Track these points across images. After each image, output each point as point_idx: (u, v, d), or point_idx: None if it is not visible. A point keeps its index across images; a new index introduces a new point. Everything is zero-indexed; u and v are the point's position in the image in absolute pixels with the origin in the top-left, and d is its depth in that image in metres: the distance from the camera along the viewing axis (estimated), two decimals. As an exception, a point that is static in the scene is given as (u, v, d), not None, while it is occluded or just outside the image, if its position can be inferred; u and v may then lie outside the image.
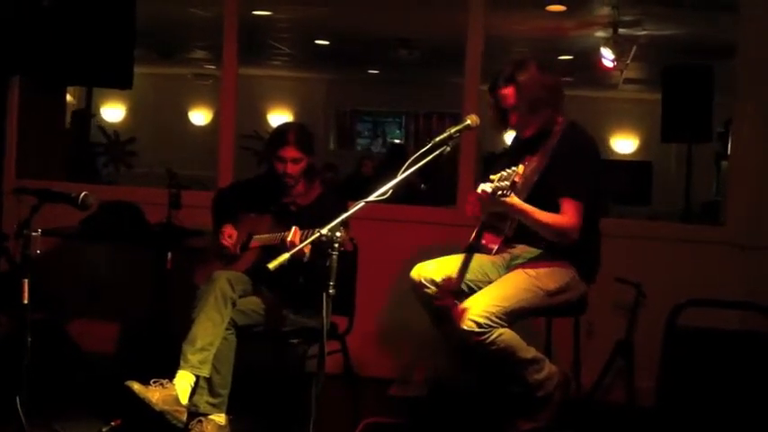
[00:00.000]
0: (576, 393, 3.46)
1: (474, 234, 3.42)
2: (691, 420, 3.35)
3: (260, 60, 11.46)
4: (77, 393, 3.87)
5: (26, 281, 2.87)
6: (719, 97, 6.13)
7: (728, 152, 5.90)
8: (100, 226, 4.15)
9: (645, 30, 7.56)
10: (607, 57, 7.66)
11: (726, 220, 4.49)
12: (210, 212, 3.89)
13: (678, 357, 3.41)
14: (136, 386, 3.21)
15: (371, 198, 2.69)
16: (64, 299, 4.52)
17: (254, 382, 3.64)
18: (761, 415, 3.28)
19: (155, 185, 5.15)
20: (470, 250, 3.36)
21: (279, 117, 13.27)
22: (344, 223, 2.66)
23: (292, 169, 3.61)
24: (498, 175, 2.89)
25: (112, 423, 3.48)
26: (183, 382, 3.30)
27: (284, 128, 3.70)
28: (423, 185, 7.72)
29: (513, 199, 2.94)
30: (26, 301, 2.88)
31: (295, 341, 3.53)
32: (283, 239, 3.36)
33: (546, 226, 3.07)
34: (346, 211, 2.69)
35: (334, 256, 2.59)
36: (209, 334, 3.35)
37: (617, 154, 12.76)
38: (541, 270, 3.17)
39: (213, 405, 3.35)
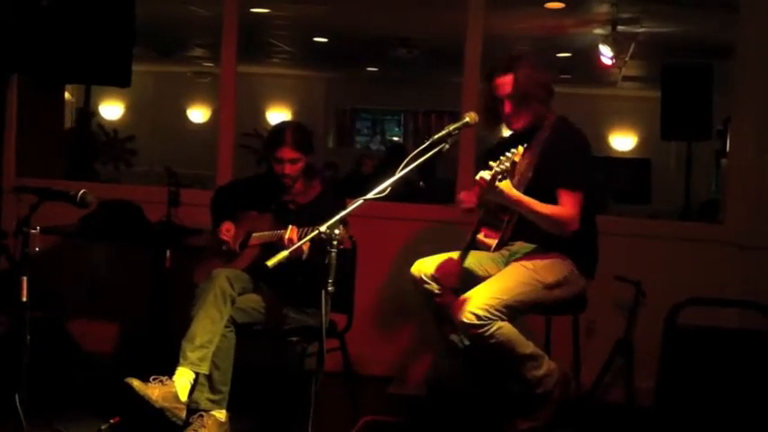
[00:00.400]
0: (576, 392, 3.46)
1: (472, 231, 3.42)
2: (690, 420, 3.35)
3: (259, 58, 11.46)
4: (77, 391, 3.87)
5: (25, 279, 2.87)
6: (719, 95, 6.13)
7: (727, 150, 5.90)
8: (99, 224, 4.15)
9: (644, 27, 7.56)
10: (606, 54, 7.66)
11: (725, 218, 4.49)
12: (209, 211, 3.89)
13: (678, 356, 3.41)
14: (135, 383, 3.21)
15: (370, 196, 2.69)
16: (63, 297, 4.52)
17: (253, 379, 3.64)
18: (761, 414, 3.28)
19: (154, 184, 5.15)
20: (469, 247, 3.36)
21: (278, 115, 13.27)
22: (343, 221, 2.66)
23: (290, 169, 3.61)
24: (497, 161, 2.90)
25: (112, 421, 3.48)
26: (183, 379, 3.30)
27: (281, 128, 3.69)
28: (421, 183, 7.72)
29: (512, 190, 2.95)
30: (25, 299, 2.88)
31: (294, 339, 3.53)
32: (281, 237, 3.37)
33: (545, 217, 3.08)
34: (345, 208, 2.69)
35: (333, 254, 2.59)
36: (208, 331, 3.35)
37: (616, 151, 12.76)
38: (539, 263, 3.18)
39: (213, 402, 3.36)
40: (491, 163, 2.91)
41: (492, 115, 3.32)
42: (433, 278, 3.28)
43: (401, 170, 2.76)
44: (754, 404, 3.29)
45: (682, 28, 7.71)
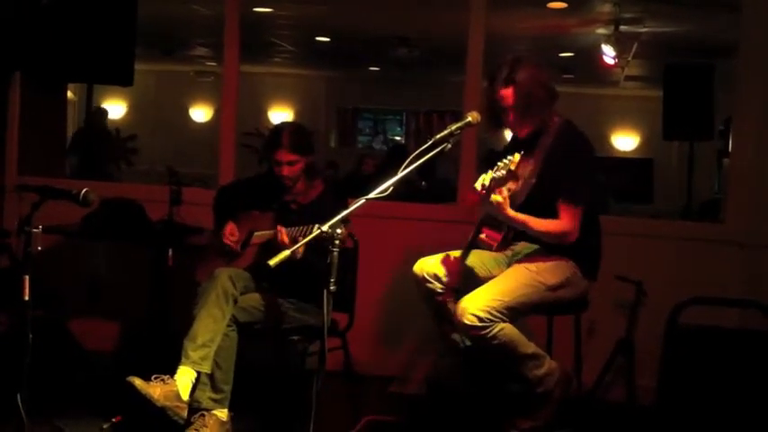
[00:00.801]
0: (577, 392, 3.46)
1: (475, 230, 3.42)
2: (691, 419, 3.35)
3: (261, 58, 11.46)
4: (78, 390, 3.88)
5: (27, 278, 2.87)
6: (721, 94, 6.13)
7: (729, 150, 5.89)
8: (101, 223, 4.15)
9: (646, 27, 7.56)
10: (608, 54, 7.66)
11: (726, 217, 4.49)
12: (212, 210, 3.89)
13: (679, 356, 3.41)
14: (137, 382, 3.22)
15: (372, 195, 2.70)
16: (64, 296, 4.52)
17: (255, 378, 3.64)
18: (761, 413, 3.28)
19: (156, 182, 5.15)
20: (471, 246, 3.36)
21: (280, 114, 13.28)
22: (345, 220, 2.66)
23: (288, 171, 3.61)
24: (495, 167, 2.90)
25: (113, 420, 3.49)
26: (184, 378, 3.31)
27: (278, 130, 3.68)
28: (423, 183, 7.72)
29: (508, 209, 2.96)
30: (27, 298, 2.88)
31: (296, 338, 3.54)
32: (269, 239, 3.41)
33: (542, 233, 3.10)
34: (347, 208, 2.70)
35: (335, 253, 2.59)
36: (210, 330, 3.35)
37: (618, 151, 12.76)
38: (542, 264, 3.18)
39: (215, 401, 3.36)
40: (485, 176, 2.92)
41: (495, 120, 3.30)
42: (436, 277, 3.28)
43: (403, 170, 2.76)
44: (756, 404, 3.29)
45: (684, 28, 7.71)
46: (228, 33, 4.90)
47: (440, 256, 3.34)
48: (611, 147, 12.74)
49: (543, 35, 8.48)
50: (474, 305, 3.02)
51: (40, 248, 2.89)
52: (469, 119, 3.03)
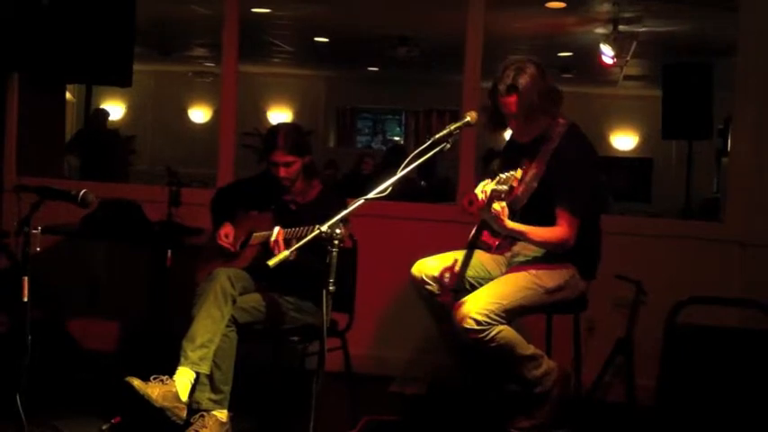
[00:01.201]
0: (576, 391, 3.46)
1: (474, 231, 3.42)
2: (691, 418, 3.35)
3: (260, 58, 11.46)
4: (77, 391, 3.87)
5: (26, 278, 2.87)
6: (719, 93, 6.13)
7: (728, 149, 5.90)
8: (100, 224, 4.15)
9: (645, 26, 7.56)
10: (607, 53, 7.66)
11: (725, 216, 4.49)
12: (209, 211, 3.89)
13: (678, 355, 3.41)
14: (136, 382, 3.21)
15: (371, 195, 2.70)
16: (64, 297, 4.52)
17: (254, 379, 3.64)
18: (761, 413, 3.28)
19: (155, 183, 5.15)
20: (471, 247, 3.36)
21: (279, 114, 13.28)
22: (344, 220, 2.66)
23: (284, 173, 3.61)
24: (497, 178, 2.90)
25: (113, 421, 3.48)
26: (183, 379, 3.30)
27: (273, 131, 3.67)
28: (423, 182, 7.72)
29: (506, 221, 2.95)
30: (26, 299, 2.88)
31: (295, 338, 3.54)
32: (267, 240, 3.41)
33: (540, 243, 3.11)
34: (346, 208, 2.70)
35: (335, 253, 2.59)
36: (208, 331, 3.35)
37: (617, 151, 12.76)
38: (542, 270, 3.18)
39: (215, 401, 3.36)
40: (487, 183, 2.92)
41: (497, 124, 3.29)
42: (434, 279, 3.28)
43: (402, 169, 2.76)
44: (755, 403, 3.29)
45: (683, 27, 7.71)
46: (227, 34, 4.89)
47: (438, 257, 3.34)
48: (609, 146, 12.74)
49: (542, 35, 8.48)
50: (472, 308, 3.02)
51: (38, 249, 2.89)
52: (468, 119, 3.03)
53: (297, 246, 2.72)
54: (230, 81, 4.93)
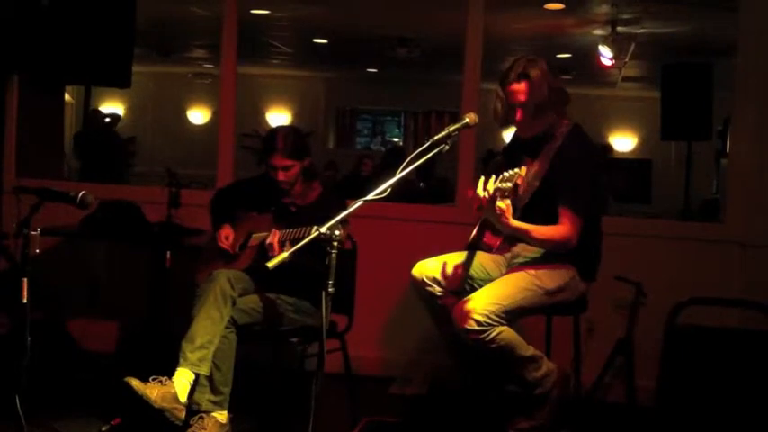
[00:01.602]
0: (576, 391, 3.46)
1: (474, 232, 3.42)
2: (691, 419, 3.34)
3: (259, 59, 11.47)
4: (77, 392, 3.87)
5: (25, 280, 2.87)
6: (719, 94, 6.13)
7: (728, 150, 5.90)
8: (99, 225, 4.15)
9: (643, 27, 7.57)
10: (605, 55, 7.66)
11: (725, 217, 4.49)
12: (208, 212, 3.89)
13: (678, 356, 3.41)
14: (134, 382, 3.21)
15: (370, 197, 2.69)
16: (63, 298, 4.52)
17: (253, 380, 3.64)
18: (761, 414, 3.28)
19: (154, 184, 5.15)
20: (471, 248, 3.36)
21: (278, 116, 13.29)
22: (344, 222, 2.66)
23: (283, 176, 3.61)
24: (501, 176, 2.89)
25: (112, 422, 3.48)
26: (182, 380, 3.30)
27: (272, 135, 3.67)
28: (422, 184, 7.72)
29: (510, 220, 2.95)
30: (25, 301, 2.88)
31: (295, 340, 3.53)
32: (263, 241, 3.40)
33: (544, 242, 3.09)
34: (345, 209, 2.69)
35: (334, 255, 2.59)
36: (208, 332, 3.35)
37: (616, 152, 12.75)
38: (541, 269, 3.17)
39: (215, 403, 3.36)
40: (490, 182, 2.91)
41: (504, 118, 3.28)
42: (435, 280, 3.28)
43: (401, 171, 2.75)
44: (755, 404, 3.29)
45: (681, 28, 7.72)
46: (226, 35, 4.90)
47: (439, 258, 3.34)
48: (608, 148, 12.74)
49: (541, 36, 8.48)
50: (473, 309, 3.01)
51: (38, 251, 2.89)
52: (467, 120, 3.02)
53: (296, 247, 2.72)
54: (229, 82, 4.93)
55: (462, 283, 3.27)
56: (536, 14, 7.35)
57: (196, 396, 3.34)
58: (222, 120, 5.02)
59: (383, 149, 13.38)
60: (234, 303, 3.43)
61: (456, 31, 4.87)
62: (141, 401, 3.19)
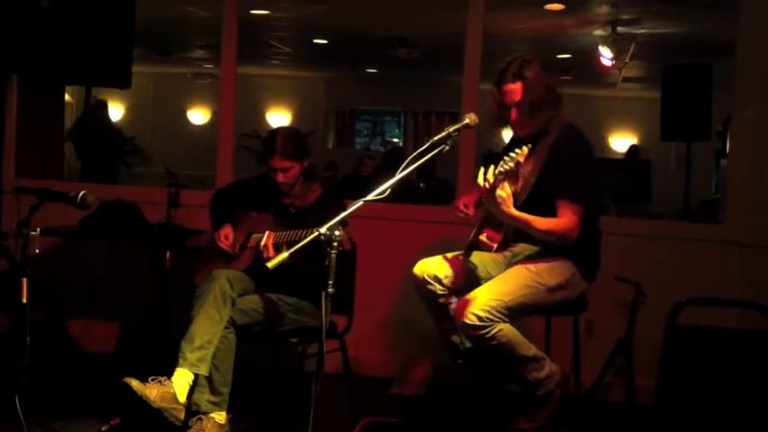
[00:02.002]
0: (576, 392, 3.46)
1: (474, 231, 3.42)
2: (691, 419, 3.35)
3: (259, 59, 11.47)
4: (76, 393, 3.87)
5: (25, 280, 2.87)
6: (718, 95, 6.13)
7: (727, 150, 5.89)
8: (99, 225, 4.15)
9: (644, 28, 7.57)
10: (606, 55, 7.66)
11: (725, 218, 4.49)
12: (208, 212, 3.89)
13: (678, 356, 3.41)
14: (134, 383, 3.21)
15: (370, 197, 2.69)
16: (63, 298, 4.52)
17: (253, 380, 3.64)
18: (761, 414, 3.28)
19: (154, 185, 5.15)
20: (471, 248, 3.36)
21: (278, 116, 13.29)
22: (343, 222, 2.66)
23: (283, 177, 3.61)
24: (501, 161, 2.90)
25: (111, 422, 3.48)
26: (182, 380, 3.30)
27: (271, 136, 3.67)
28: (422, 184, 7.73)
29: (510, 208, 2.95)
30: (25, 301, 2.88)
31: (294, 340, 3.53)
32: (258, 243, 3.41)
33: (545, 232, 3.09)
34: (345, 210, 2.69)
35: (333, 255, 2.59)
36: (207, 332, 3.35)
37: (615, 153, 12.75)
38: (542, 265, 3.17)
39: (214, 404, 3.36)
40: (490, 171, 2.91)
41: (498, 119, 3.29)
42: (436, 279, 3.28)
43: (401, 171, 2.75)
44: (755, 404, 3.29)
45: (681, 28, 7.72)
46: (226, 35, 4.90)
47: (439, 257, 3.34)
48: (608, 148, 12.74)
49: (541, 36, 8.48)
50: (474, 305, 3.02)
51: (38, 251, 2.88)
52: (467, 120, 3.02)
53: (296, 247, 2.72)
54: (229, 82, 4.93)
55: (463, 282, 3.27)
56: (536, 15, 7.35)
57: (195, 396, 3.33)
58: (222, 120, 5.02)
59: (383, 150, 13.39)
60: (233, 304, 3.43)
61: (456, 32, 4.87)
62: (140, 402, 3.19)
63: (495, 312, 3.00)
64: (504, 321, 3.03)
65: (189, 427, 3.29)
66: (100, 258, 4.87)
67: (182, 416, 3.27)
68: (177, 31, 9.62)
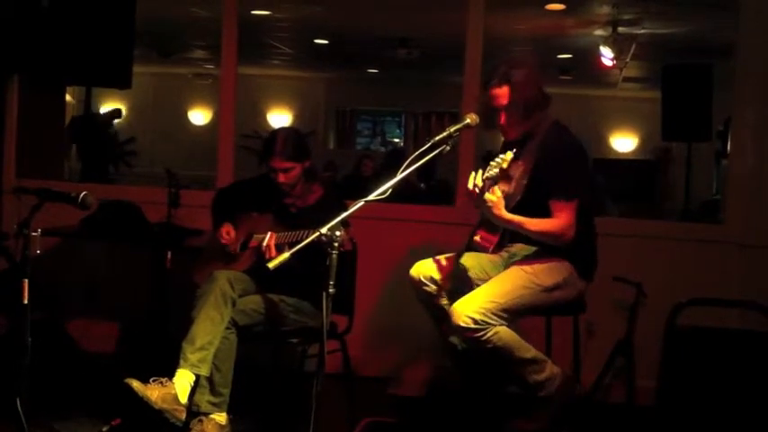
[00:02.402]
0: (577, 394, 3.46)
1: (471, 233, 3.42)
2: (691, 420, 3.35)
3: (259, 60, 11.47)
4: (77, 393, 3.87)
5: (26, 281, 2.87)
6: (719, 95, 6.13)
7: (728, 151, 5.90)
8: (100, 225, 4.15)
9: (644, 28, 7.57)
10: (606, 55, 7.67)
11: (725, 218, 4.49)
12: (210, 212, 3.89)
13: (679, 356, 3.41)
14: (135, 384, 3.21)
15: (371, 197, 2.69)
16: (63, 298, 4.52)
17: (254, 381, 3.64)
18: (761, 414, 3.28)
19: (154, 185, 5.15)
20: (469, 248, 3.36)
21: (278, 116, 13.30)
22: (345, 223, 2.66)
23: (283, 178, 3.60)
24: (488, 166, 2.90)
25: (112, 423, 3.48)
26: (183, 381, 3.30)
27: (272, 137, 3.66)
28: (422, 184, 7.73)
29: (502, 211, 2.95)
30: (26, 302, 2.87)
31: (295, 340, 3.53)
32: (260, 244, 3.40)
33: (540, 234, 3.09)
34: (346, 211, 2.69)
35: (334, 256, 2.59)
36: (208, 333, 3.35)
37: (616, 153, 12.76)
38: (538, 266, 3.17)
39: (214, 404, 3.35)
40: (478, 175, 2.92)
41: (489, 122, 3.29)
42: (432, 280, 3.28)
43: (402, 172, 2.75)
44: (755, 404, 3.29)
45: (682, 29, 7.72)
46: (226, 36, 4.89)
47: (437, 258, 3.34)
48: (609, 148, 12.75)
49: (541, 36, 8.48)
50: (469, 307, 3.01)
51: (39, 251, 2.88)
52: (468, 120, 3.02)
53: (297, 248, 2.72)
54: (229, 83, 4.93)
55: (460, 284, 3.27)
56: (537, 15, 7.35)
57: (196, 397, 3.33)
58: (222, 120, 5.02)
59: (383, 150, 13.39)
60: (234, 304, 3.43)
61: (456, 32, 4.87)
62: (142, 402, 3.19)
63: (490, 315, 3.00)
64: (501, 324, 3.03)
65: (189, 428, 3.29)
66: (100, 258, 4.87)
67: (183, 417, 3.27)
68: (178, 32, 9.63)
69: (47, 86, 5.25)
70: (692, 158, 6.72)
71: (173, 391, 3.25)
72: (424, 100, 13.26)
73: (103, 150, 8.41)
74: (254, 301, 3.51)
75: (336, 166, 10.64)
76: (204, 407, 3.33)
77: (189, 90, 13.34)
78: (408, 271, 3.36)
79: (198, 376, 3.33)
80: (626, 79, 10.13)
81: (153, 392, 3.21)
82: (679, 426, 3.40)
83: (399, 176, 2.74)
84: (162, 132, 13.06)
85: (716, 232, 4.52)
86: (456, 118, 3.23)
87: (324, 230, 2.58)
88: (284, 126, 11.06)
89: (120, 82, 4.88)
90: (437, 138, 2.88)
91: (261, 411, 3.79)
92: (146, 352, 4.18)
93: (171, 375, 3.30)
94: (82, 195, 2.93)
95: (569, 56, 9.53)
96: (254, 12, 7.61)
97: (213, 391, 3.36)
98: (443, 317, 3.25)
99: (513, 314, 3.08)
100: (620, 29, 7.47)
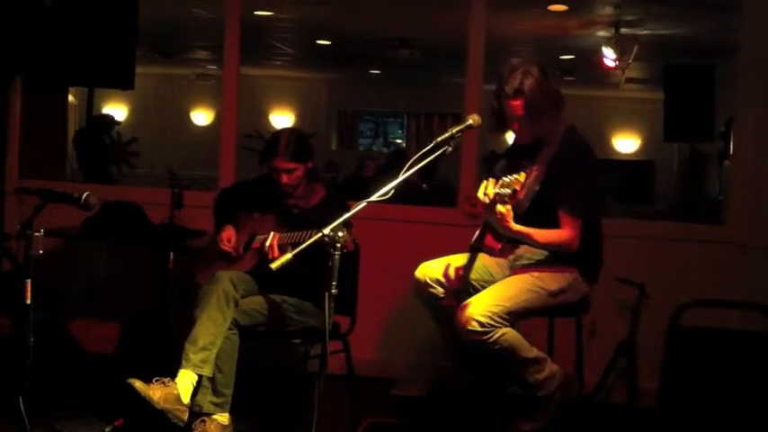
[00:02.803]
0: (579, 393, 3.46)
1: (477, 234, 3.42)
2: (693, 421, 3.34)
3: (262, 60, 11.47)
4: (79, 393, 3.87)
5: (28, 281, 2.87)
6: (721, 95, 6.13)
7: (730, 151, 5.89)
8: (102, 226, 4.16)
9: (646, 29, 7.56)
10: (609, 56, 7.66)
11: (727, 219, 4.49)
12: (212, 213, 3.89)
13: (681, 357, 3.40)
14: (137, 384, 3.21)
15: (373, 198, 2.69)
16: (65, 299, 4.52)
17: (256, 381, 3.64)
18: (763, 415, 3.27)
19: (157, 185, 5.16)
20: (474, 250, 3.36)
21: (281, 117, 13.30)
22: (347, 224, 2.66)
23: (287, 179, 3.60)
24: (501, 181, 2.90)
25: (115, 423, 3.48)
26: (185, 381, 3.30)
27: (275, 138, 3.66)
28: (424, 185, 7.73)
29: (510, 223, 2.96)
30: (28, 302, 2.87)
31: (297, 341, 3.53)
32: (262, 244, 3.40)
33: (544, 245, 3.11)
34: (348, 211, 2.69)
35: (337, 257, 2.59)
36: (210, 333, 3.35)
37: (618, 153, 12.75)
38: (544, 271, 3.18)
39: (217, 405, 3.36)
40: (488, 185, 2.91)
41: (499, 126, 3.29)
42: (437, 281, 3.28)
43: (404, 172, 2.75)
44: (758, 405, 3.29)
45: (684, 29, 7.71)
46: (229, 36, 4.90)
47: (442, 260, 3.34)
48: (611, 149, 12.74)
49: (543, 37, 8.48)
50: (475, 310, 3.02)
51: (41, 252, 2.88)
52: (470, 121, 3.02)
53: (299, 248, 2.72)
54: (232, 84, 4.94)
55: (465, 285, 3.27)
56: (539, 15, 7.34)
57: (198, 398, 3.34)
58: (224, 121, 5.02)
59: (385, 150, 13.39)
60: (236, 305, 3.43)
61: (458, 33, 4.87)
62: (144, 403, 3.19)
63: (496, 318, 3.01)
64: (506, 326, 3.03)
65: (192, 429, 3.29)
66: (102, 259, 4.88)
67: (185, 417, 3.27)
68: (180, 33, 9.63)
69: (49, 87, 5.26)
70: (693, 159, 6.71)
71: (175, 392, 3.25)
72: (426, 101, 13.25)
73: (106, 152, 8.42)
74: (257, 302, 3.52)
75: (337, 166, 10.64)
76: (206, 407, 3.34)
77: (191, 91, 13.34)
78: (411, 271, 3.37)
79: (200, 376, 3.33)
80: (628, 80, 10.13)
81: (155, 393, 3.22)
82: (681, 427, 3.39)
83: (402, 177, 2.74)
84: (164, 133, 13.05)
85: (718, 233, 4.52)
86: (458, 118, 3.23)
87: (326, 231, 2.58)
88: (287, 127, 11.06)
89: (122, 83, 4.89)
90: (439, 138, 2.88)
91: (263, 412, 3.79)
92: (148, 352, 4.18)
93: (173, 376, 3.31)
94: (84, 196, 2.93)
95: (572, 57, 9.53)
96: (256, 12, 7.61)
97: (215, 392, 3.36)
98: (447, 318, 3.25)
99: (518, 317, 3.09)
100: (623, 30, 7.46)
